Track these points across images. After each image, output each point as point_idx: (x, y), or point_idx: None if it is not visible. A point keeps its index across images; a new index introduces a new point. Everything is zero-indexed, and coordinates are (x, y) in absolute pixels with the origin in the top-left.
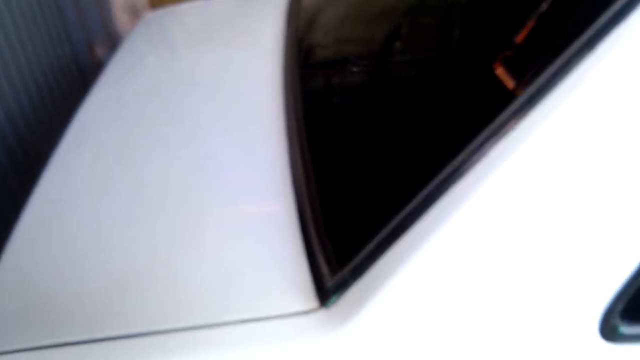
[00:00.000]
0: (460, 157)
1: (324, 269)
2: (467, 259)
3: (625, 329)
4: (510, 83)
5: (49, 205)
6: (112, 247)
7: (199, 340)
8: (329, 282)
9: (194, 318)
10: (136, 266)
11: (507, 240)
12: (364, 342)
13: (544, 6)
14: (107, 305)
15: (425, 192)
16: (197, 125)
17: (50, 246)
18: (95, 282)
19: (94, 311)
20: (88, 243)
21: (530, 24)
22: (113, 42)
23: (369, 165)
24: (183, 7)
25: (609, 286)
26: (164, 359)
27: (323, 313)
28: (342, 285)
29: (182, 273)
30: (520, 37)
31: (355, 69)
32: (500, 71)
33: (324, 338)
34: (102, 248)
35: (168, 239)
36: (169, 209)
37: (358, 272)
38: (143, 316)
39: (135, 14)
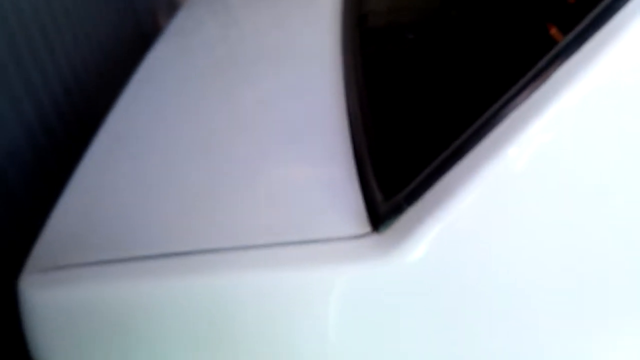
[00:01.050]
0: (518, 86)
1: (377, 194)
2: (524, 186)
3: None
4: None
5: (119, 134)
6: (182, 170)
7: (254, 259)
8: (383, 207)
9: (250, 238)
10: (200, 187)
11: (572, 168)
12: (417, 267)
13: None
14: (171, 224)
15: (482, 119)
16: (257, 70)
17: (123, 166)
18: (165, 202)
19: (161, 228)
20: (161, 164)
21: None
22: (176, 10)
23: (424, 93)
24: None
25: None
26: (221, 276)
27: (376, 237)
28: (396, 211)
29: (241, 195)
30: None
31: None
32: (553, 28)
33: (376, 262)
34: (173, 170)
35: (232, 164)
36: (235, 138)
37: (413, 197)
38: (202, 234)
39: None
